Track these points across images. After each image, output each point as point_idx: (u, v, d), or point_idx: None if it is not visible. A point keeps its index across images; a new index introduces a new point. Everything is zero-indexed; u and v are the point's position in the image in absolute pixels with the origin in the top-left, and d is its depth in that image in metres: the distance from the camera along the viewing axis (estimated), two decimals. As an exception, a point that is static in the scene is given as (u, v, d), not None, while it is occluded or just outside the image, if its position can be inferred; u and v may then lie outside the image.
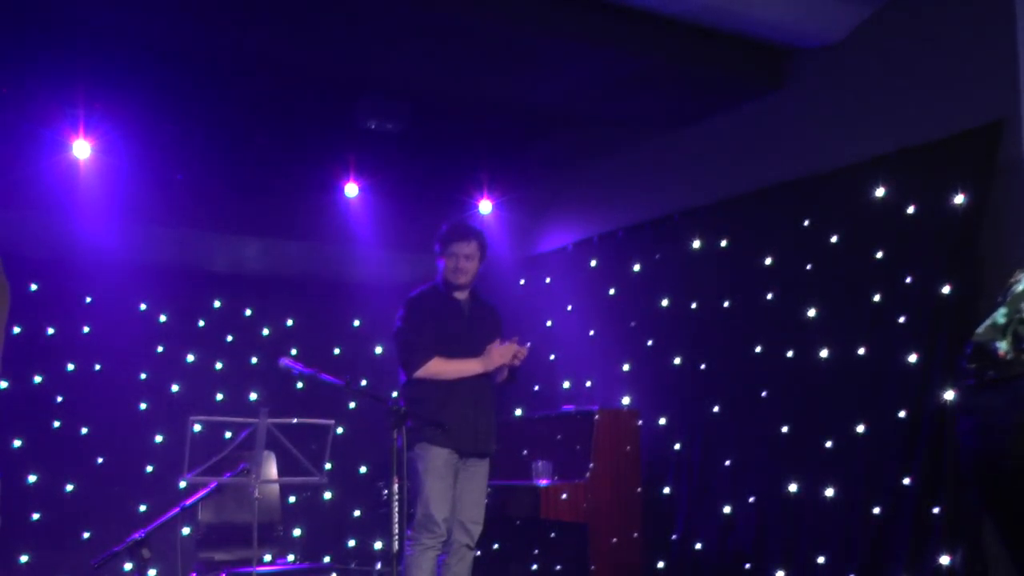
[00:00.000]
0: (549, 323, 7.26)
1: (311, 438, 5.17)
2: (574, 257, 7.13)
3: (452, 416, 4.75)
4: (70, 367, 7.06)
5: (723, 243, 5.95)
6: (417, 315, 4.89)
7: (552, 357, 7.16)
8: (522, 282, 7.56)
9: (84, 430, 7.01)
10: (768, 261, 5.66)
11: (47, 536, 6.75)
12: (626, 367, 6.51)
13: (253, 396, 7.54)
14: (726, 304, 5.87)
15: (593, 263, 6.93)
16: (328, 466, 4.83)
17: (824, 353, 5.25)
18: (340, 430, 7.07)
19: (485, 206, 7.48)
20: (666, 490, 6.05)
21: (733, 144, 6.04)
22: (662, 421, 6.13)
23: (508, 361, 4.88)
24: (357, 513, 7.78)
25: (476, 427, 4.85)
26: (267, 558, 6.40)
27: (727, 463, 5.73)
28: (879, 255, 5.06)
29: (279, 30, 5.10)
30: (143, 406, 7.21)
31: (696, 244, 6.10)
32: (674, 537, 5.95)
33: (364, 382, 7.28)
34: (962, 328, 4.65)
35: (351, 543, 7.73)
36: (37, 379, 6.92)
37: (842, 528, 5.11)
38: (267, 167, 7.08)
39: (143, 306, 7.36)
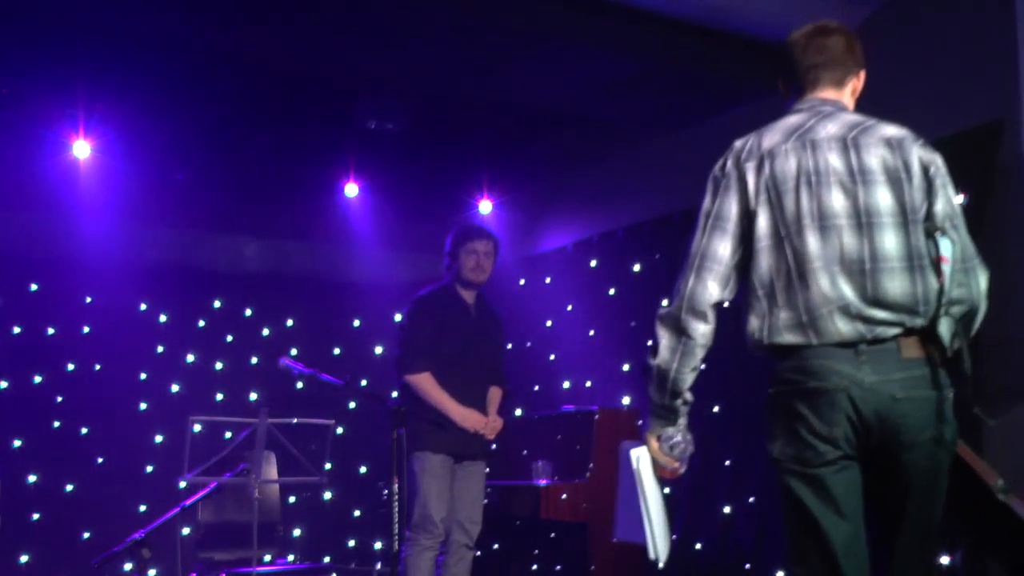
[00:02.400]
0: (549, 323, 7.26)
1: (311, 438, 5.18)
2: (574, 257, 7.12)
3: (448, 420, 4.78)
4: (70, 367, 7.06)
5: (723, 243, 5.93)
6: (423, 316, 4.90)
7: (552, 357, 7.16)
8: (522, 282, 7.56)
9: (84, 430, 7.02)
10: (768, 261, 5.65)
11: (47, 536, 6.75)
12: (626, 367, 6.51)
13: (253, 396, 7.54)
14: (726, 304, 5.86)
15: (593, 263, 6.93)
16: (328, 466, 4.84)
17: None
18: (340, 430, 7.07)
19: (485, 206, 7.48)
20: (666, 490, 6.03)
21: (733, 144, 6.04)
22: (662, 421, 6.12)
23: (485, 433, 4.90)
24: (357, 513, 7.78)
25: (473, 433, 4.87)
26: (267, 558, 6.40)
27: (727, 463, 5.72)
28: (879, 255, 5.05)
29: (279, 30, 5.10)
30: (143, 406, 7.21)
31: (696, 244, 6.09)
32: (674, 537, 5.94)
33: (364, 382, 7.29)
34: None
35: (351, 543, 7.73)
36: (37, 379, 6.92)
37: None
38: (267, 167, 7.08)
39: (143, 306, 7.37)
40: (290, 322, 7.90)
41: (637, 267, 6.54)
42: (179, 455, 4.56)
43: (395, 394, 5.03)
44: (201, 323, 7.60)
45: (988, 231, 4.65)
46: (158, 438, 7.20)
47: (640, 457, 2.71)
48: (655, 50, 5.38)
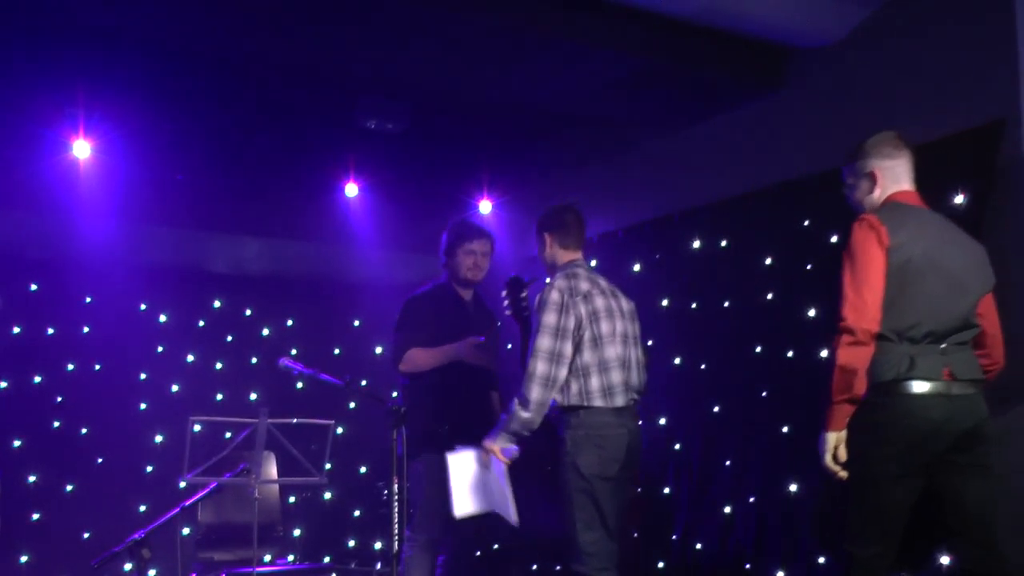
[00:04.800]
0: (549, 323, 7.24)
1: (311, 438, 5.17)
2: (574, 257, 7.11)
3: (447, 419, 4.77)
4: (70, 367, 7.06)
5: (723, 243, 5.94)
6: (413, 315, 4.90)
7: (552, 357, 7.14)
8: (522, 282, 7.55)
9: (84, 430, 7.01)
10: (768, 261, 5.66)
11: (47, 536, 6.75)
12: (626, 367, 6.50)
13: (253, 396, 7.54)
14: (726, 304, 5.87)
15: (593, 263, 6.91)
16: (328, 466, 4.84)
17: (824, 353, 5.24)
18: (340, 430, 7.07)
19: (485, 206, 7.48)
20: (666, 490, 6.05)
21: (733, 144, 6.04)
22: (662, 421, 6.13)
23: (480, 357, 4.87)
24: (357, 513, 7.77)
25: (474, 434, 4.86)
26: (267, 558, 6.40)
27: (727, 463, 5.72)
28: (879, 255, 5.05)
29: (279, 30, 5.10)
30: (143, 406, 7.21)
31: (696, 244, 6.10)
32: (674, 537, 5.95)
33: (364, 382, 7.28)
34: (962, 328, 4.65)
35: (351, 543, 7.73)
36: (37, 379, 6.92)
37: (842, 528, 5.10)
38: (267, 167, 7.08)
39: (143, 306, 7.36)
40: (290, 322, 7.90)
41: (637, 267, 6.54)
42: (179, 455, 4.56)
43: (395, 394, 5.03)
44: (201, 323, 7.60)
45: (988, 231, 4.65)
46: (158, 438, 7.19)
47: (481, 458, 4.17)
48: (655, 50, 5.38)
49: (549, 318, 4.01)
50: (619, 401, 4.06)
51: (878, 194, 3.45)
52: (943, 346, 3.16)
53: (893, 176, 3.45)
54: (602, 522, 3.97)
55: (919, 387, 3.10)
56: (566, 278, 4.12)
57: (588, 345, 4.01)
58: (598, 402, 4.01)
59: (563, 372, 3.98)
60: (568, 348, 3.99)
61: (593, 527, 3.96)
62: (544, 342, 3.98)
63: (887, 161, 3.46)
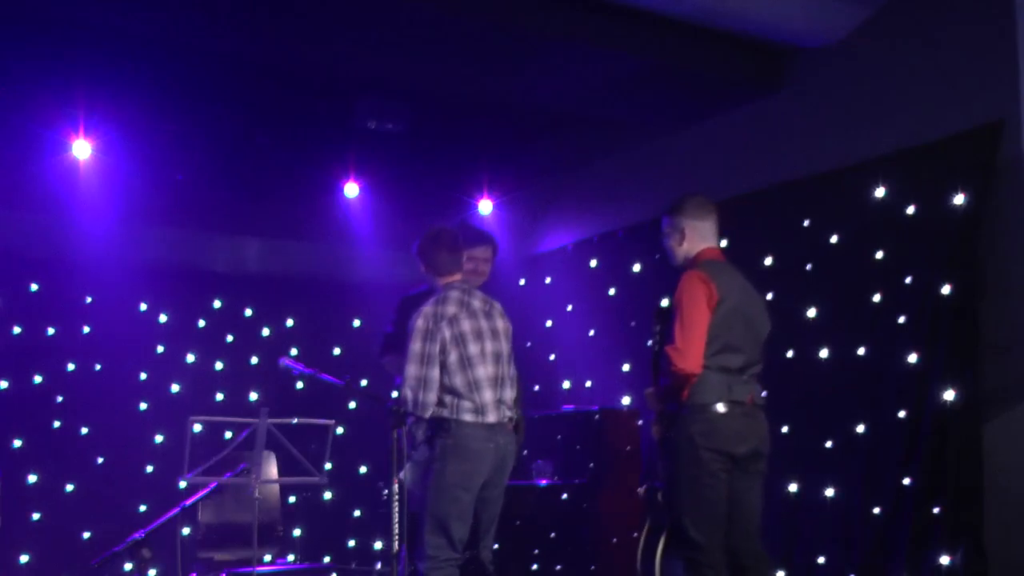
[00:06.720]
0: (549, 323, 7.26)
1: (311, 438, 5.18)
2: (574, 257, 7.12)
3: None
4: (70, 367, 7.06)
5: (723, 243, 5.92)
6: (402, 315, 4.90)
7: (552, 357, 7.16)
8: (522, 282, 7.56)
9: (84, 430, 7.01)
10: (768, 261, 5.66)
11: (47, 536, 6.75)
12: (626, 367, 6.51)
13: (253, 396, 7.54)
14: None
15: (593, 263, 6.93)
16: (328, 466, 4.84)
17: (824, 353, 5.25)
18: (340, 430, 7.06)
19: (485, 206, 7.48)
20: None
21: (733, 144, 6.04)
22: (662, 421, 6.12)
23: None
24: (357, 513, 7.78)
25: None
26: (267, 558, 6.40)
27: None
28: (879, 255, 5.06)
29: (279, 30, 5.11)
30: (143, 406, 7.20)
31: (696, 244, 6.09)
32: (674, 537, 5.94)
33: (364, 382, 7.28)
34: (962, 328, 4.65)
35: (351, 543, 7.73)
36: (37, 379, 6.91)
37: (842, 528, 5.11)
38: (267, 167, 7.08)
39: (143, 306, 7.36)
40: (290, 322, 7.90)
41: (637, 267, 6.54)
42: (179, 455, 4.56)
43: (395, 394, 5.02)
44: (201, 323, 7.59)
45: (988, 231, 4.65)
46: (158, 438, 7.19)
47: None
48: (655, 50, 5.38)
49: (415, 346, 4.20)
50: (491, 418, 4.23)
51: (687, 247, 4.08)
52: (746, 377, 3.93)
53: (700, 234, 4.07)
54: (447, 530, 4.13)
55: (732, 409, 3.86)
56: (435, 303, 4.28)
57: (457, 367, 4.19)
58: (468, 418, 4.18)
59: (432, 395, 4.16)
60: (434, 372, 4.18)
61: (438, 533, 4.13)
62: (411, 369, 4.19)
63: (696, 221, 4.06)
